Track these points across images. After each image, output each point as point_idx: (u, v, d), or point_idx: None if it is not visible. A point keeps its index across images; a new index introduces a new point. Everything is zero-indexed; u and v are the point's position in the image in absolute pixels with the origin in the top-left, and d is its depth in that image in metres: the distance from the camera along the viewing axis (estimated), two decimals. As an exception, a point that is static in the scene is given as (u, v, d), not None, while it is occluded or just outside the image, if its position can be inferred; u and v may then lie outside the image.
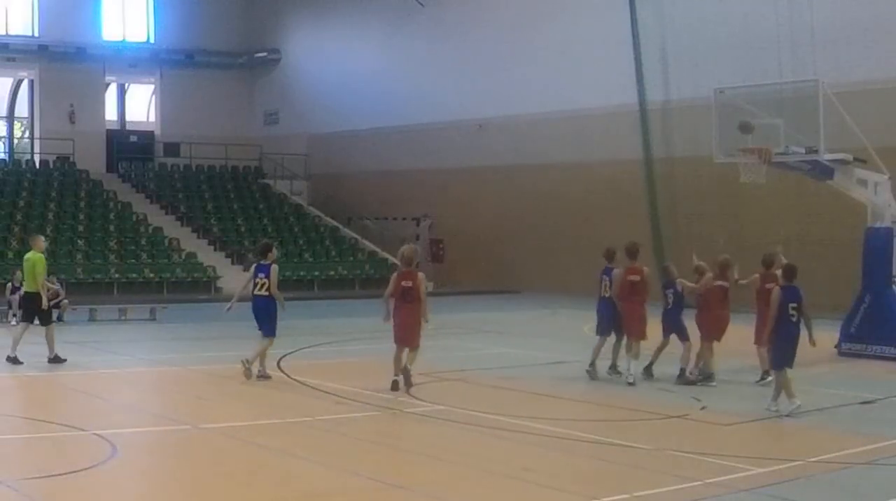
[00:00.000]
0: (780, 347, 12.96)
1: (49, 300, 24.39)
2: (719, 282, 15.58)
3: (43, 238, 19.18)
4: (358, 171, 41.30)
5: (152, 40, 44.35)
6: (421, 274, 15.06)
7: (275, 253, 16.19)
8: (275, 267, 15.70)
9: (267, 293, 15.59)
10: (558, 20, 33.87)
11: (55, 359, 17.37)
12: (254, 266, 16.15)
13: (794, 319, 12.92)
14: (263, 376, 15.50)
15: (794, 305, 12.90)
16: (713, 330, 15.41)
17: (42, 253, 17.93)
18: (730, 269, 15.81)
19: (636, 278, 15.51)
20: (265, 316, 15.71)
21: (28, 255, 17.89)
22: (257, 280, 15.69)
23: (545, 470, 10.25)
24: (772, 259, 16.16)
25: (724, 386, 15.36)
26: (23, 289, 18.33)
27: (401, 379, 14.48)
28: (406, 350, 14.64)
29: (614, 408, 13.79)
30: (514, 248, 34.54)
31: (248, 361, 15.48)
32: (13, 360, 17.06)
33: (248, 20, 45.82)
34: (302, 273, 36.24)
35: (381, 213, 40.33)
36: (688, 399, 14.18)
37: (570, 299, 29.91)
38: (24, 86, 43.46)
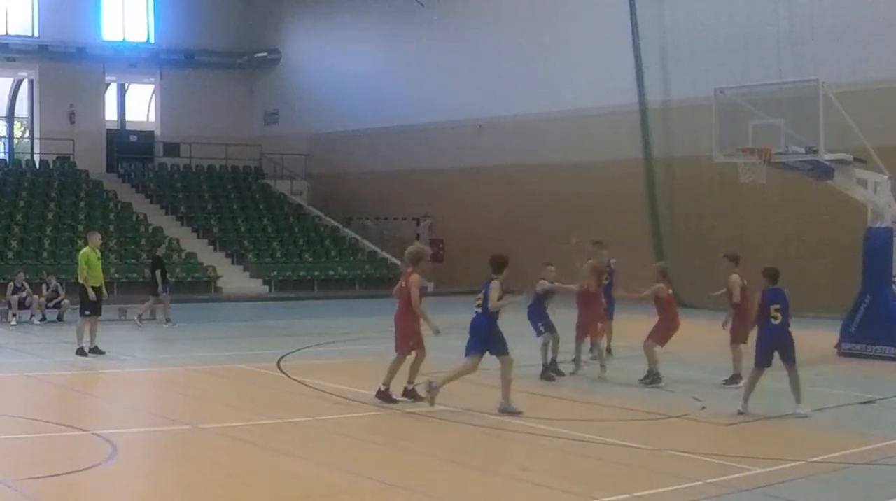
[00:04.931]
0: None
1: (48, 299, 24.59)
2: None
3: (99, 235, 20.04)
4: (358, 171, 41.29)
5: (152, 40, 44.34)
6: (414, 276, 13.75)
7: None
8: (495, 284, 13.39)
9: (482, 310, 13.33)
10: (558, 20, 33.84)
11: (95, 350, 18.20)
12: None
13: None
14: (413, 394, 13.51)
15: None
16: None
17: (94, 249, 18.67)
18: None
19: None
20: (482, 338, 13.32)
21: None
22: (480, 295, 13.50)
23: (545, 470, 10.25)
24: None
25: (724, 386, 15.37)
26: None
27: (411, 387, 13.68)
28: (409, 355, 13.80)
29: (614, 408, 13.80)
30: (514, 248, 34.37)
31: (500, 409, 13.20)
32: (94, 350, 18.17)
33: (248, 20, 45.81)
34: (302, 273, 36.27)
35: (381, 213, 40.33)
36: (688, 399, 14.18)
37: (569, 299, 29.87)
38: (24, 86, 43.46)
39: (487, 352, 13.24)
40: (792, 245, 26.48)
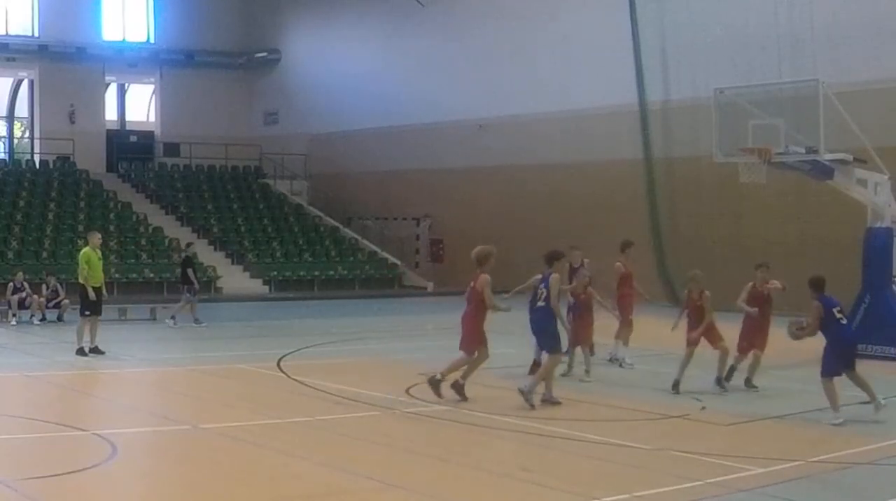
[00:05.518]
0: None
1: (48, 299, 24.60)
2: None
3: (99, 234, 20.08)
4: (358, 171, 41.29)
5: (152, 40, 44.34)
6: (483, 276, 13.94)
7: (563, 262, 14.08)
8: (555, 277, 13.62)
9: (545, 304, 13.67)
10: (559, 20, 33.84)
11: (95, 350, 18.22)
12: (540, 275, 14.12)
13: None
14: (550, 401, 13.62)
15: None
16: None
17: (94, 249, 18.68)
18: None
19: None
20: (541, 331, 13.88)
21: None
22: (539, 290, 13.84)
23: (545, 470, 10.25)
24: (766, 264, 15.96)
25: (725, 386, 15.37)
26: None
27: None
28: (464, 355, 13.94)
29: (614, 408, 13.80)
30: (514, 248, 34.47)
31: (525, 390, 13.53)
32: (94, 350, 18.20)
33: (248, 20, 45.81)
34: (302, 273, 36.29)
35: (381, 213, 40.34)
36: (688, 399, 14.18)
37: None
38: (24, 86, 43.45)
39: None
40: (792, 245, 26.48)
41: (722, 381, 14.85)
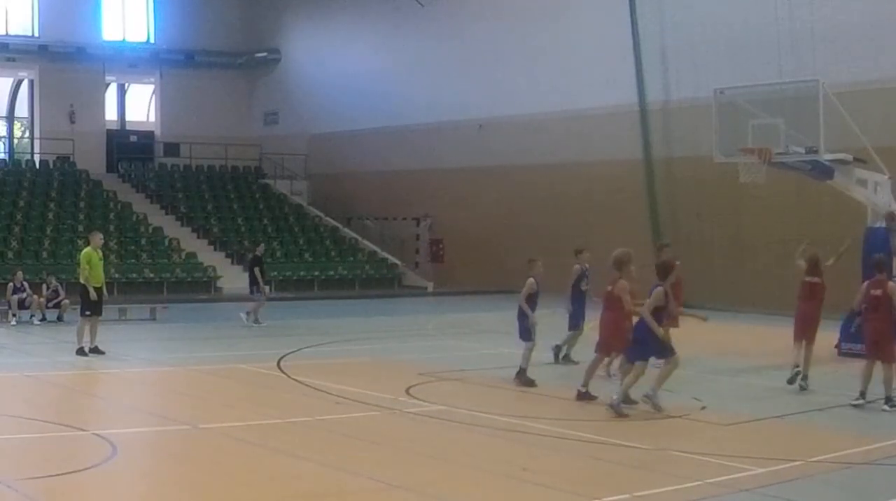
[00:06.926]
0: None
1: (48, 299, 24.60)
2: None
3: (100, 235, 19.99)
4: (358, 171, 41.31)
5: (152, 40, 44.35)
6: (622, 283, 13.55)
7: (674, 275, 13.71)
8: (658, 291, 13.23)
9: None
10: (558, 20, 33.85)
11: (95, 350, 18.20)
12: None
13: None
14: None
15: None
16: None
17: (95, 249, 18.62)
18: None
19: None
20: (635, 341, 13.35)
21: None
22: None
23: (545, 470, 10.25)
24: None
25: (725, 386, 15.36)
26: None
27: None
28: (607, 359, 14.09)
29: (614, 408, 13.78)
30: (514, 248, 34.54)
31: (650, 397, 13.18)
32: (94, 350, 18.20)
33: (248, 20, 45.81)
34: (302, 273, 36.27)
35: (381, 213, 40.35)
36: (688, 399, 14.18)
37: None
38: (24, 86, 43.47)
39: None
40: (791, 245, 26.47)
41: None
